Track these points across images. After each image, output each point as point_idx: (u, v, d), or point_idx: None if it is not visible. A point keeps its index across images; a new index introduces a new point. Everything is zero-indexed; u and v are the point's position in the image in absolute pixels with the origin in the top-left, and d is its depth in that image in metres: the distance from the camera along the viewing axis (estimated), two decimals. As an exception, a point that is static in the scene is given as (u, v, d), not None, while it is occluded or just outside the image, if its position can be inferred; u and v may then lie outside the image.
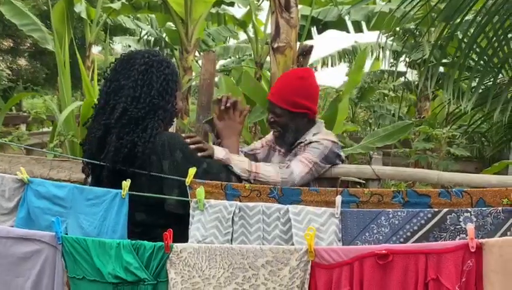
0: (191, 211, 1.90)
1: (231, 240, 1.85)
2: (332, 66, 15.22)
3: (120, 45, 15.98)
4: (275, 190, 1.97)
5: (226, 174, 2.19)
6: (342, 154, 2.74)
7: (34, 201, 1.98)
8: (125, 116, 2.07)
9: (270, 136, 2.97)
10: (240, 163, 2.32)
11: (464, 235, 1.62)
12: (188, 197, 1.95)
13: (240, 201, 1.95)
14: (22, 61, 17.33)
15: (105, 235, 1.90)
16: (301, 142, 2.67)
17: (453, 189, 1.84)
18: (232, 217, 1.86)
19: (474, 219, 1.66)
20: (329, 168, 2.64)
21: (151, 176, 2.03)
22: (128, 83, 2.12)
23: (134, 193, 1.95)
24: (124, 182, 1.92)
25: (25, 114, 13.51)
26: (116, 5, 10.41)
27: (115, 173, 2.07)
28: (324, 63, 15.43)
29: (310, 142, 2.61)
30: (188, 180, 1.97)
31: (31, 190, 2.01)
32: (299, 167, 2.49)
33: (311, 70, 3.15)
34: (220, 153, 2.27)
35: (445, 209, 1.69)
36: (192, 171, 1.99)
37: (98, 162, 2.09)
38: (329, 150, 2.61)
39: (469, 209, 1.68)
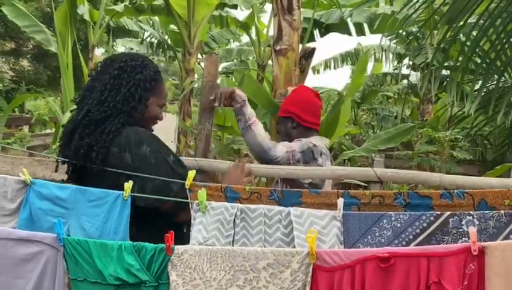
0: (192, 213, 1.89)
1: (233, 242, 1.84)
2: (334, 68, 15.23)
3: (123, 48, 16.00)
4: (275, 193, 1.97)
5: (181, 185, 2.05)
6: (320, 160, 3.08)
7: (36, 202, 1.98)
8: (86, 118, 2.12)
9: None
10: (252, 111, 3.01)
11: (466, 239, 1.62)
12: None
13: (241, 203, 1.95)
14: (25, 63, 17.37)
15: (107, 236, 1.89)
16: None
17: (455, 190, 1.83)
18: (234, 219, 1.85)
19: (477, 222, 1.65)
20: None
21: (115, 171, 2.05)
22: (99, 86, 2.18)
23: (136, 194, 1.95)
24: (126, 184, 1.92)
25: (28, 116, 13.55)
26: (119, 8, 10.42)
27: (77, 170, 2.15)
28: (327, 66, 15.44)
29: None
30: (188, 183, 1.97)
31: (33, 191, 2.01)
32: (280, 147, 2.96)
33: (311, 89, 3.60)
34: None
35: (448, 213, 1.69)
36: (192, 173, 1.99)
37: (63, 159, 2.17)
38: (308, 148, 3.03)
39: (471, 212, 1.68)
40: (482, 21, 4.38)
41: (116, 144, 2.07)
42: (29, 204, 2.00)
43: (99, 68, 2.26)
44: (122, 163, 2.05)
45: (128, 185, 1.92)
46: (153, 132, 2.31)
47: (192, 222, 1.88)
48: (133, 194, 1.93)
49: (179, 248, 1.67)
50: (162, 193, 1.99)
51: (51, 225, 1.88)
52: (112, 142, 2.07)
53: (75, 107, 2.25)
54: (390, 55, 12.27)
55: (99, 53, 16.20)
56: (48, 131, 11.70)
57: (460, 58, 4.66)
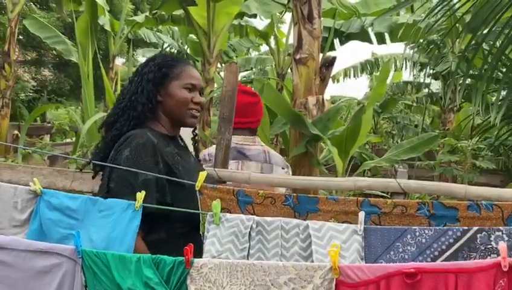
0: (206, 225, 1.83)
1: (247, 256, 1.77)
2: (354, 77, 15.19)
3: (143, 58, 16.14)
4: (290, 198, 1.89)
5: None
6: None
7: (46, 213, 1.95)
8: (103, 123, 2.23)
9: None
10: None
11: (495, 255, 1.55)
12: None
13: (253, 208, 1.89)
14: (46, 73, 17.59)
15: (112, 246, 1.84)
16: None
17: (483, 202, 1.76)
18: (249, 232, 1.78)
19: (506, 238, 1.59)
20: None
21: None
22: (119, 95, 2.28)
23: (148, 205, 1.89)
24: (138, 194, 1.87)
25: (49, 125, 13.70)
26: (139, 18, 10.53)
27: None
28: (346, 74, 15.40)
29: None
30: (198, 184, 1.92)
31: (43, 201, 1.97)
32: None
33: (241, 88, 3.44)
34: None
35: (476, 228, 1.62)
36: (203, 174, 1.93)
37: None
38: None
39: (500, 228, 1.61)
40: (507, 30, 4.30)
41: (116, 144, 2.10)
42: (39, 215, 1.96)
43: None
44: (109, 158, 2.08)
45: (141, 196, 1.87)
46: (194, 121, 2.28)
47: (205, 234, 1.83)
48: (145, 204, 1.88)
49: (198, 261, 1.64)
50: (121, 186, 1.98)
51: (61, 236, 1.86)
52: (115, 142, 2.10)
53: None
54: (412, 64, 12.18)
55: (119, 63, 16.35)
56: (68, 140, 11.80)
57: (485, 68, 4.57)
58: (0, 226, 2.01)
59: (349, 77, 15.31)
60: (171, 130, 2.25)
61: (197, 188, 1.92)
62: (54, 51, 14.92)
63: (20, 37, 13.83)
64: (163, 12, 10.29)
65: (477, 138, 7.72)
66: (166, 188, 2.03)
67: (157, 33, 13.08)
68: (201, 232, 1.86)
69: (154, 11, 10.24)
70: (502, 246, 1.45)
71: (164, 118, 2.22)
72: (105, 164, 2.06)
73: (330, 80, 5.77)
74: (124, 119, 2.14)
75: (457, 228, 1.65)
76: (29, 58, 16.61)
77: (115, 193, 1.97)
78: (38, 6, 15.98)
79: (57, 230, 1.92)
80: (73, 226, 1.88)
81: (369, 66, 14.67)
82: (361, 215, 1.72)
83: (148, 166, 2.00)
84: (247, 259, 1.77)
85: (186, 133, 2.41)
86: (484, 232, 1.61)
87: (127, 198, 1.89)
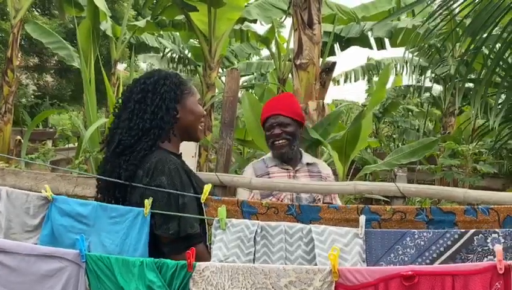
0: (212, 231, 1.87)
1: (253, 260, 1.82)
2: (355, 80, 15.21)
3: (145, 63, 16.18)
4: (292, 207, 1.94)
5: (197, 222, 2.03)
6: None
7: (58, 219, 1.99)
8: (119, 146, 2.13)
9: (246, 175, 3.15)
10: None
11: (492, 257, 1.58)
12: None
13: (258, 219, 1.93)
14: (49, 78, 17.63)
15: (126, 253, 1.89)
16: (311, 164, 3.12)
17: (479, 206, 1.79)
18: (254, 236, 1.83)
19: (502, 240, 1.62)
20: None
21: (140, 196, 2.02)
22: (126, 114, 2.18)
23: (156, 211, 1.94)
24: (146, 201, 1.92)
25: (51, 130, 13.73)
26: (141, 23, 10.56)
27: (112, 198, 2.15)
28: (347, 77, 15.44)
29: (328, 176, 3.11)
30: (204, 197, 1.96)
31: (55, 207, 2.02)
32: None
33: None
34: None
35: (472, 230, 1.65)
36: (208, 187, 1.98)
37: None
38: None
39: (497, 230, 1.64)
40: (505, 34, 4.33)
41: (143, 168, 2.06)
42: (51, 220, 2.01)
43: (121, 100, 2.26)
44: (140, 190, 2.04)
45: (149, 202, 1.91)
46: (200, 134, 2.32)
47: (212, 239, 1.87)
48: (153, 211, 1.93)
49: (201, 265, 1.66)
50: (161, 226, 1.97)
51: (72, 242, 1.89)
52: (141, 163, 2.07)
53: (106, 144, 2.25)
54: (412, 68, 12.20)
55: (121, 68, 16.40)
56: (71, 145, 11.83)
57: (484, 71, 4.60)
58: (13, 231, 2.06)
59: (350, 81, 15.34)
60: (178, 149, 2.29)
61: (202, 201, 1.97)
62: (56, 57, 14.96)
63: (23, 43, 13.87)
64: (164, 18, 10.34)
65: (477, 141, 7.73)
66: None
67: (159, 38, 13.11)
68: (208, 243, 1.91)
69: (156, 17, 10.29)
70: (498, 248, 1.47)
71: (174, 137, 2.22)
72: (155, 188, 2.02)
73: (331, 82, 5.80)
74: (148, 140, 2.12)
75: (455, 230, 1.68)
76: (31, 64, 16.64)
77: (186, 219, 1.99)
78: (40, 12, 16.05)
79: (69, 235, 1.96)
80: (84, 232, 1.92)
81: (370, 70, 14.68)
82: (362, 219, 1.76)
83: (185, 188, 2.05)
84: (253, 263, 1.81)
85: (187, 148, 2.44)
86: (481, 235, 1.64)
87: (184, 222, 1.96)
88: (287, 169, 3.07)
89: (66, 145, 12.39)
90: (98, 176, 2.18)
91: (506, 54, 4.48)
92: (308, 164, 3.09)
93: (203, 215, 1.98)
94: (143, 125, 2.13)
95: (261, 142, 5.20)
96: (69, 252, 1.78)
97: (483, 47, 5.04)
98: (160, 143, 2.15)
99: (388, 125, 15.05)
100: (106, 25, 10.90)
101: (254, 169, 3.14)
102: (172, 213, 1.95)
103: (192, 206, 2.02)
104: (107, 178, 2.10)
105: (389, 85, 14.73)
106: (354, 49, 10.15)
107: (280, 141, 3.03)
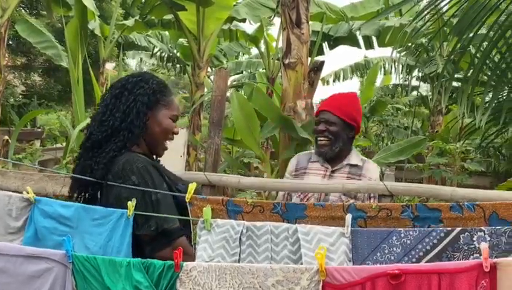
0: (197, 231, 1.86)
1: (239, 260, 1.81)
2: (344, 80, 15.25)
3: (135, 61, 16.10)
4: (278, 206, 1.93)
5: (172, 214, 2.04)
6: None
7: (41, 221, 1.97)
8: (89, 140, 2.13)
9: (288, 169, 3.15)
10: None
11: (478, 255, 1.59)
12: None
13: (243, 218, 1.92)
14: (36, 78, 17.49)
15: (109, 255, 1.87)
16: (354, 166, 2.99)
17: (465, 203, 1.80)
18: (240, 237, 1.82)
19: (488, 238, 1.63)
20: None
21: (115, 198, 2.02)
22: (101, 108, 2.18)
23: (140, 212, 1.93)
24: (129, 202, 1.90)
25: (39, 130, 13.64)
26: (129, 22, 10.51)
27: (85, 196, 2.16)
28: (336, 77, 15.47)
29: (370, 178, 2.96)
30: (188, 196, 1.95)
31: (37, 209, 2.00)
32: None
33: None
34: None
35: (458, 229, 1.66)
36: (192, 186, 1.97)
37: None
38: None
39: (483, 228, 1.65)
40: (492, 33, 4.36)
41: (112, 172, 2.05)
42: (34, 222, 1.99)
43: (105, 95, 2.26)
44: (112, 192, 2.05)
45: (132, 204, 1.90)
46: (164, 152, 2.29)
47: (197, 239, 1.86)
48: (136, 212, 1.92)
49: (188, 265, 1.66)
50: (143, 226, 1.97)
51: (55, 243, 1.87)
52: (110, 168, 2.06)
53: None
54: (400, 67, 12.25)
55: (110, 67, 16.30)
56: (59, 145, 11.76)
57: (471, 70, 4.63)
58: None
59: (339, 80, 15.38)
60: (150, 153, 2.26)
61: (187, 200, 1.96)
62: (44, 56, 14.86)
63: (10, 42, 13.76)
64: (153, 17, 10.30)
65: (465, 140, 7.78)
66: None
67: (148, 37, 13.06)
68: (193, 243, 1.90)
69: (144, 16, 10.25)
70: (484, 247, 1.48)
71: (143, 142, 2.20)
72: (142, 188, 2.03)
73: (320, 82, 5.81)
74: (117, 140, 2.11)
75: (440, 229, 1.69)
76: (19, 63, 16.50)
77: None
78: (28, 11, 15.92)
79: (52, 237, 1.95)
80: (67, 234, 1.90)
81: (359, 69, 14.72)
82: (348, 218, 1.76)
83: (156, 185, 2.05)
84: (239, 263, 1.79)
85: (175, 138, 2.41)
86: (467, 233, 1.65)
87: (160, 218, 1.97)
88: (326, 168, 3.01)
89: (54, 145, 12.30)
90: (74, 175, 2.16)
91: (493, 53, 4.51)
92: (351, 165, 2.99)
93: (187, 213, 1.97)
94: (113, 122, 2.12)
95: (249, 141, 5.21)
96: (56, 253, 1.76)
97: (471, 46, 5.08)
98: (129, 146, 2.13)
99: (377, 124, 15.09)
100: (94, 24, 10.83)
101: (298, 160, 3.14)
102: (160, 215, 1.95)
103: (166, 202, 2.02)
104: (86, 177, 2.09)
105: (378, 84, 14.82)
106: (344, 49, 10.18)
107: (322, 139, 2.98)
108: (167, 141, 2.27)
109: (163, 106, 2.22)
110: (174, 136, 2.32)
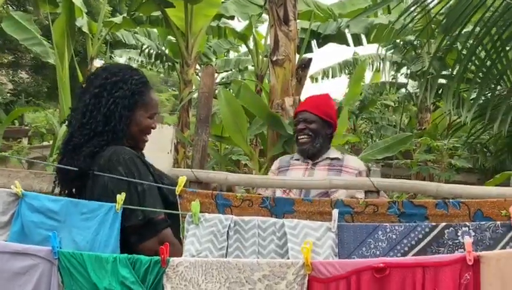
0: (185, 225, 1.86)
1: (226, 254, 1.81)
2: (333, 77, 15.28)
3: (124, 58, 15.99)
4: (267, 200, 1.95)
5: (160, 207, 2.04)
6: None
7: (28, 215, 1.96)
8: (71, 143, 2.12)
9: (272, 169, 3.33)
10: None
11: (462, 250, 1.60)
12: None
13: (232, 211, 1.93)
14: (24, 75, 17.38)
15: (97, 249, 1.86)
16: (334, 158, 3.14)
17: (451, 200, 1.82)
18: (227, 231, 1.82)
19: (473, 233, 1.64)
20: None
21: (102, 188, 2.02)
22: (81, 107, 2.15)
23: (128, 206, 1.93)
24: (118, 196, 1.90)
25: (27, 128, 13.55)
26: (117, 19, 10.46)
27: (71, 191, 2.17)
28: (325, 74, 15.49)
29: (359, 172, 3.10)
30: (178, 189, 1.95)
31: (25, 203, 1.98)
32: None
33: None
34: None
35: (443, 224, 1.68)
36: (182, 179, 1.97)
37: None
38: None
39: (467, 223, 1.67)
40: (478, 29, 4.39)
41: (99, 163, 2.04)
42: (21, 217, 1.96)
43: (84, 85, 2.23)
44: (99, 183, 2.03)
45: (121, 197, 1.90)
46: (145, 145, 2.29)
47: (185, 233, 1.86)
48: (125, 206, 1.91)
49: (174, 260, 1.66)
50: (130, 217, 1.96)
51: (42, 238, 1.86)
52: (96, 160, 2.05)
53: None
54: (388, 64, 12.30)
55: (98, 64, 16.21)
56: (46, 143, 11.68)
57: (456, 67, 4.67)
58: None
59: (328, 78, 15.39)
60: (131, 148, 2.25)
61: (177, 193, 1.96)
62: (31, 54, 14.75)
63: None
64: (141, 14, 10.26)
65: (452, 136, 7.84)
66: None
67: (136, 35, 13.00)
68: (181, 236, 1.90)
69: (132, 13, 10.20)
70: (467, 241, 1.50)
71: (124, 139, 2.19)
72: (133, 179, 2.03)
73: (309, 79, 5.82)
74: (101, 140, 2.10)
75: (426, 224, 1.71)
76: (5, 60, 16.38)
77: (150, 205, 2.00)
78: (15, 8, 15.80)
79: (39, 232, 1.93)
80: (55, 228, 1.88)
81: (348, 67, 14.76)
82: (335, 213, 1.77)
83: (142, 175, 2.04)
84: (226, 257, 1.80)
85: (162, 135, 2.41)
86: (451, 228, 1.67)
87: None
88: (307, 162, 3.16)
89: (41, 143, 12.22)
90: (60, 165, 2.14)
91: (480, 48, 4.55)
92: (331, 158, 3.15)
93: (172, 209, 1.97)
94: (95, 126, 2.10)
95: (237, 138, 5.21)
96: (42, 249, 1.76)
97: (457, 43, 5.11)
98: (112, 144, 2.12)
99: (366, 121, 15.16)
100: (82, 21, 10.76)
101: (280, 162, 3.31)
102: (148, 209, 1.95)
103: (152, 193, 2.02)
104: (74, 168, 2.07)
105: (367, 81, 14.88)
106: (333, 47, 10.20)
107: (303, 137, 3.15)
108: (147, 136, 2.29)
109: (142, 107, 2.22)
110: (162, 133, 2.33)
